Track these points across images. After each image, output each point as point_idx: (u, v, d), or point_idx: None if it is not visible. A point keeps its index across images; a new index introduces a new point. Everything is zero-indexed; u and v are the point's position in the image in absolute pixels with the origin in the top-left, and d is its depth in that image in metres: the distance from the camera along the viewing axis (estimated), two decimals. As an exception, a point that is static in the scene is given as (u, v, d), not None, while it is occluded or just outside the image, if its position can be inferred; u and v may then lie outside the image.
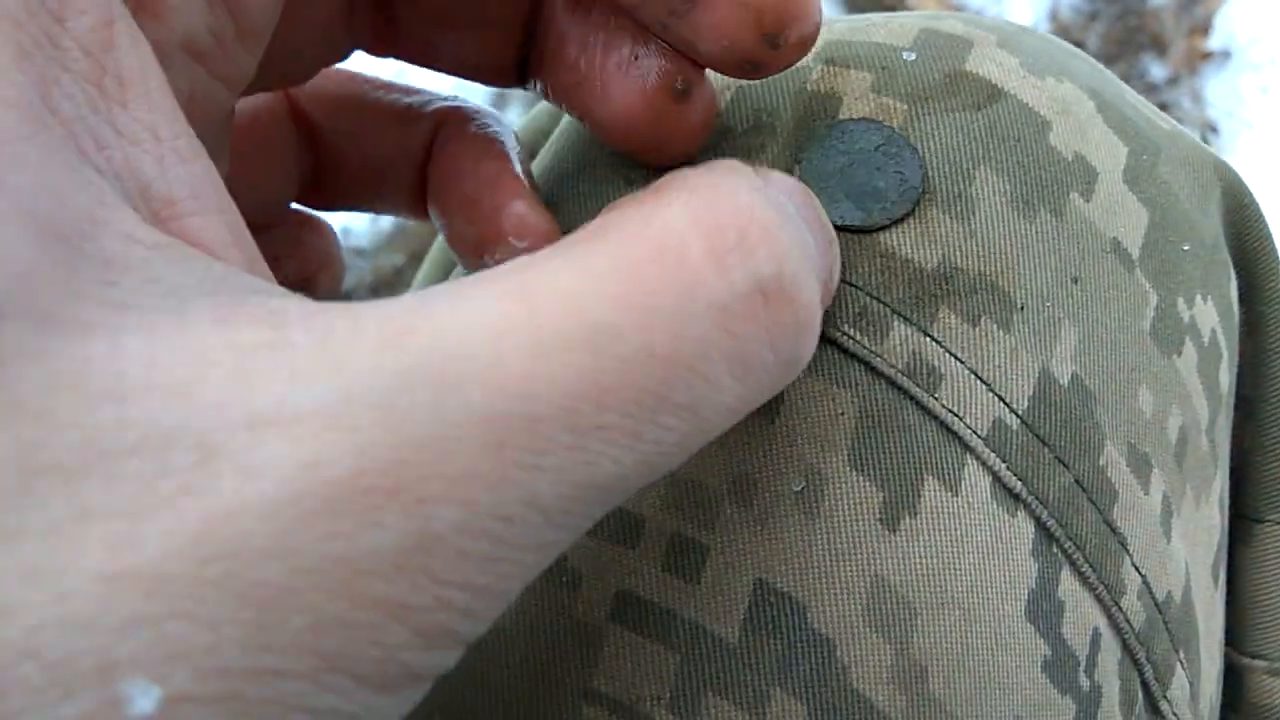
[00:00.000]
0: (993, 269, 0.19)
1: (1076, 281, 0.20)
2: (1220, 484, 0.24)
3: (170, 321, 0.10)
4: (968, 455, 0.18)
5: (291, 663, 0.09)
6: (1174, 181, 0.22)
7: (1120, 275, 0.20)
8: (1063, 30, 1.08)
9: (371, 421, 0.10)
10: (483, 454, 0.10)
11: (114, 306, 0.10)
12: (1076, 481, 0.19)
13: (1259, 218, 0.25)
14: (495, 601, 0.10)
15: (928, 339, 0.19)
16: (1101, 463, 0.19)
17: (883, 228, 0.19)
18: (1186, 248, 0.22)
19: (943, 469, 0.18)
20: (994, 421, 0.18)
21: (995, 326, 0.19)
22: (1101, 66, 0.24)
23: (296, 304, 0.11)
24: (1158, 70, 1.07)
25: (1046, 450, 0.19)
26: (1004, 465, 0.18)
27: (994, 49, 0.21)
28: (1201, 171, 0.24)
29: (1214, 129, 1.03)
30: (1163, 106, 1.04)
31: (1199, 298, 0.22)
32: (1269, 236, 0.25)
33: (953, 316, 0.19)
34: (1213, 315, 0.23)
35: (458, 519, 0.10)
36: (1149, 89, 1.05)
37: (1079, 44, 1.05)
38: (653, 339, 0.11)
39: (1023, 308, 0.19)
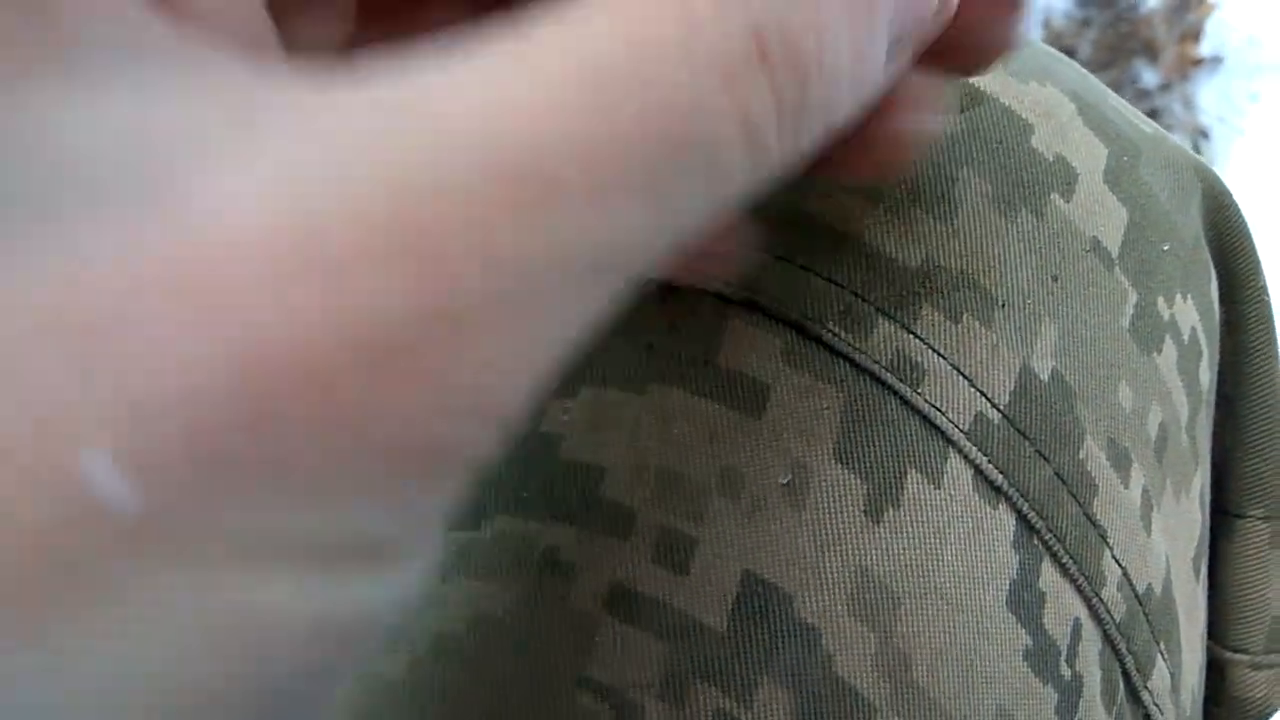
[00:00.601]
0: (974, 267, 0.19)
1: (1056, 279, 0.20)
2: (1201, 480, 0.24)
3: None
4: (950, 449, 0.19)
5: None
6: (1154, 182, 0.23)
7: (1100, 273, 0.21)
8: (1055, 37, 1.09)
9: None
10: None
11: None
12: (1057, 475, 0.19)
13: (1239, 219, 0.26)
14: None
15: (911, 335, 0.19)
16: (1081, 456, 0.20)
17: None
18: (1166, 247, 0.22)
19: (925, 462, 0.19)
20: (975, 416, 0.19)
21: (977, 323, 0.19)
22: (1084, 71, 0.25)
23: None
24: (1150, 76, 1.08)
25: (1027, 444, 0.19)
26: (985, 459, 0.19)
27: None
28: (1182, 173, 0.24)
29: (1205, 135, 1.04)
30: (1154, 113, 1.05)
31: (1179, 296, 0.23)
32: (1249, 237, 0.26)
33: (935, 314, 0.19)
34: (1193, 314, 0.23)
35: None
36: (1141, 95, 1.06)
37: (1071, 50, 1.06)
38: (661, 88, 0.10)
39: (1004, 305, 0.19)
